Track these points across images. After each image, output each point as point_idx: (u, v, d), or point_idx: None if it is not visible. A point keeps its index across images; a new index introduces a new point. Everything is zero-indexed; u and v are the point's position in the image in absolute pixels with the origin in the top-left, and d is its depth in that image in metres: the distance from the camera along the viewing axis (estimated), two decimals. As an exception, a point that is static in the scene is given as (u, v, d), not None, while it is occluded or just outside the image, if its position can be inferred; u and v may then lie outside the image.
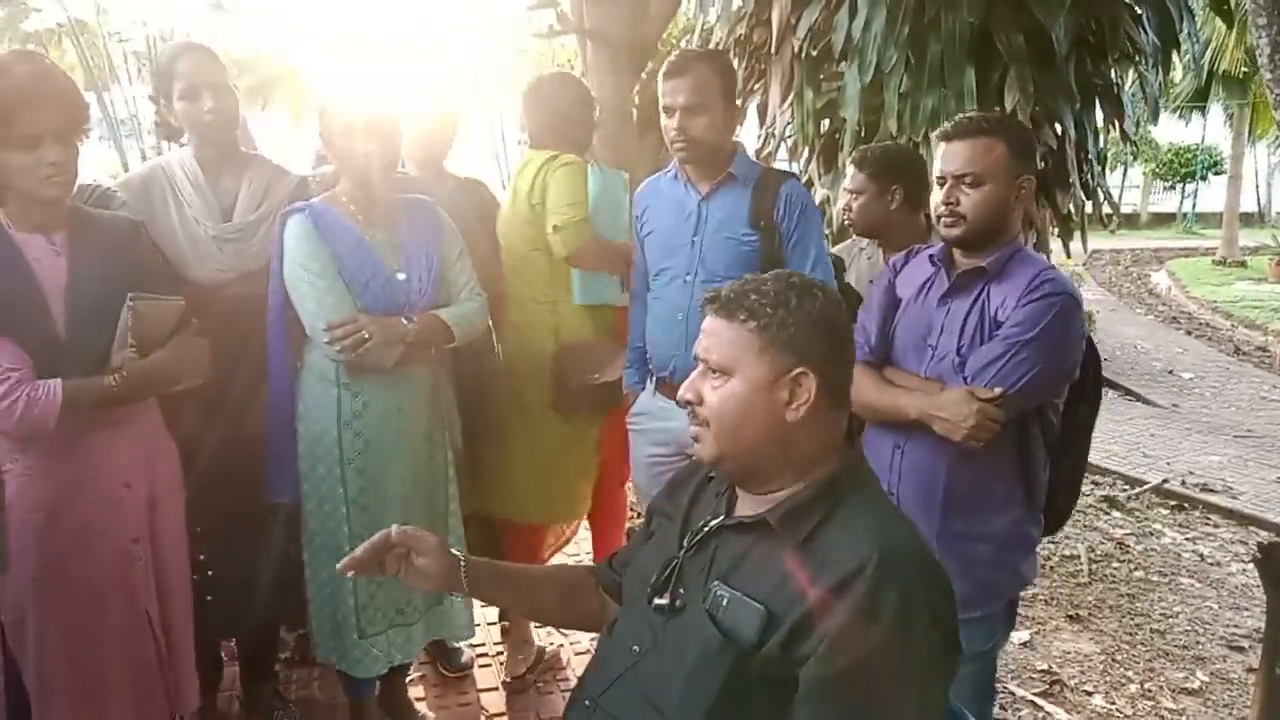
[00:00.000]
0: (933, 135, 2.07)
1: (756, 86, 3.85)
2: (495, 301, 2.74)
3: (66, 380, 1.76)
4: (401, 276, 2.21)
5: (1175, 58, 3.53)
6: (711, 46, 3.97)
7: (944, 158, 1.95)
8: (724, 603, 1.21)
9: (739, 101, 3.91)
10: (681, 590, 1.29)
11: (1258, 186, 22.99)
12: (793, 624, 1.15)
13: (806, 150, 3.73)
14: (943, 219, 1.95)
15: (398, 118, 2.21)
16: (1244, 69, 15.01)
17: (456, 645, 2.87)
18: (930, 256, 2.07)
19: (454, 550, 1.44)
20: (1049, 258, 3.89)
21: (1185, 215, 22.93)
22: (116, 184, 2.29)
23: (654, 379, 2.56)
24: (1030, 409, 1.92)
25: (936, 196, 1.96)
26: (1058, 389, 1.96)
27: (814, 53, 3.44)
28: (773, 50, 3.56)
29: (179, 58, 2.23)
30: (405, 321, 2.17)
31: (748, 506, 1.31)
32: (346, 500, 2.21)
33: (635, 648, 1.32)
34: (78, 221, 1.89)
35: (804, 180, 3.92)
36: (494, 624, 3.15)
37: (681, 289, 2.41)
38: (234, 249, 2.24)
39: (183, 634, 2.08)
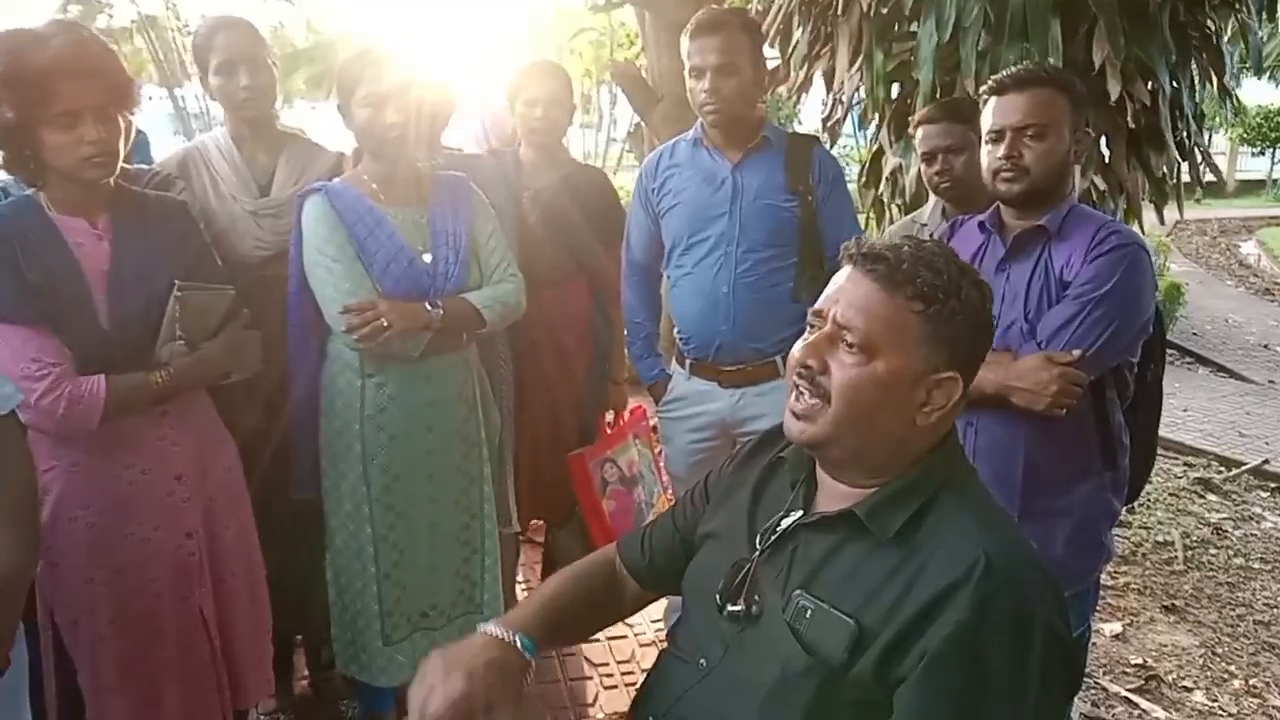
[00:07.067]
0: (981, 90, 1.93)
1: (823, 51, 3.66)
2: (613, 300, 2.70)
3: (111, 376, 1.67)
4: (427, 258, 2.06)
5: (1281, 2, 3.24)
6: (774, 11, 3.79)
7: (1001, 110, 1.83)
8: (807, 614, 1.07)
9: (805, 68, 3.76)
10: (757, 596, 1.14)
11: (1354, 149, 21.89)
12: (887, 641, 1.00)
13: (876, 116, 3.54)
14: (1001, 174, 1.83)
15: (430, 88, 2.07)
16: (1341, 24, 14.23)
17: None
18: (980, 223, 1.96)
19: (498, 634, 1.17)
20: (1140, 226, 3.65)
21: (1275, 182, 21.97)
22: (155, 166, 2.25)
23: (687, 362, 2.43)
24: (1108, 370, 1.83)
25: (992, 153, 1.84)
26: (1135, 345, 1.87)
27: (884, 11, 3.26)
28: (839, 12, 3.39)
29: (216, 32, 2.17)
30: (430, 307, 2.01)
31: (831, 500, 1.16)
32: (370, 499, 2.08)
33: (703, 661, 1.18)
34: (122, 203, 1.78)
35: (874, 148, 3.74)
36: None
37: (723, 261, 2.29)
38: (272, 224, 2.18)
39: (249, 629, 1.99)
